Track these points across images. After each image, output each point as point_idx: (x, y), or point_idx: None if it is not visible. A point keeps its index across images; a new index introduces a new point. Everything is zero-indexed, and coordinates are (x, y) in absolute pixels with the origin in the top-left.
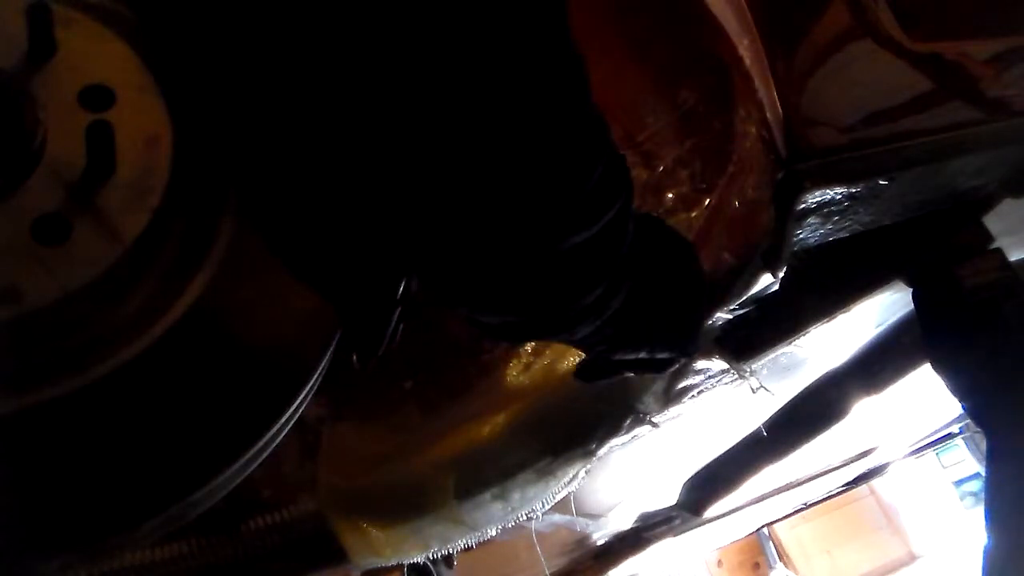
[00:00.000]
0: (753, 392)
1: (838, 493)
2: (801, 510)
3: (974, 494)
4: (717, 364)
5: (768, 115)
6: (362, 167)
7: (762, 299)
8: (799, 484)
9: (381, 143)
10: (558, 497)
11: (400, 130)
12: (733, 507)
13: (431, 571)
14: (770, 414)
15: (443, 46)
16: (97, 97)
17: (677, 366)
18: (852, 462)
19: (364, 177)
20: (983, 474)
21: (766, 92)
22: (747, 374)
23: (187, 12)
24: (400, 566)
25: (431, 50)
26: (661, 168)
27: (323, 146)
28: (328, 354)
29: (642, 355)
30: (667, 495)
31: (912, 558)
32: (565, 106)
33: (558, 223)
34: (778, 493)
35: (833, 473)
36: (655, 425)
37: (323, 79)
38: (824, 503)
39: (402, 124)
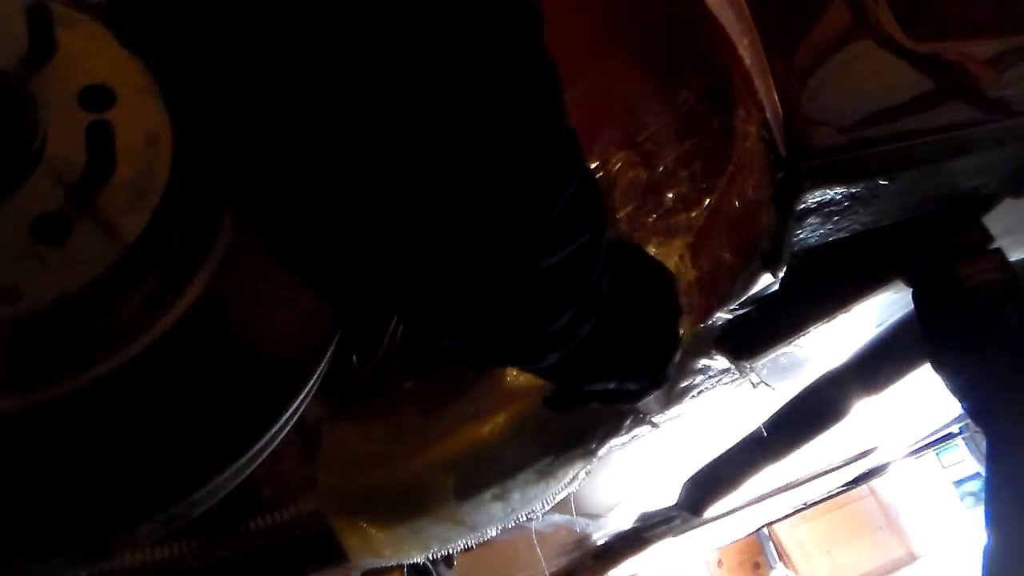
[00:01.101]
0: (754, 387)
1: (838, 493)
2: (801, 510)
3: (974, 494)
4: (717, 364)
5: (768, 115)
6: (332, 178)
7: (762, 299)
8: (799, 484)
9: (348, 158)
10: (558, 498)
11: (364, 146)
12: (733, 507)
13: (431, 571)
14: (770, 414)
15: (414, 65)
16: (97, 97)
17: (648, 397)
18: (852, 462)
19: (335, 190)
20: (983, 474)
21: (766, 92)
22: (747, 370)
23: (183, 13)
24: (400, 566)
25: (402, 68)
26: (661, 168)
27: (301, 152)
28: (328, 354)
29: (611, 386)
30: (667, 495)
31: (912, 558)
32: (536, 126)
33: (526, 247)
34: (778, 493)
35: (833, 473)
36: (655, 425)
37: (294, 90)
38: (824, 503)
39: (368, 141)
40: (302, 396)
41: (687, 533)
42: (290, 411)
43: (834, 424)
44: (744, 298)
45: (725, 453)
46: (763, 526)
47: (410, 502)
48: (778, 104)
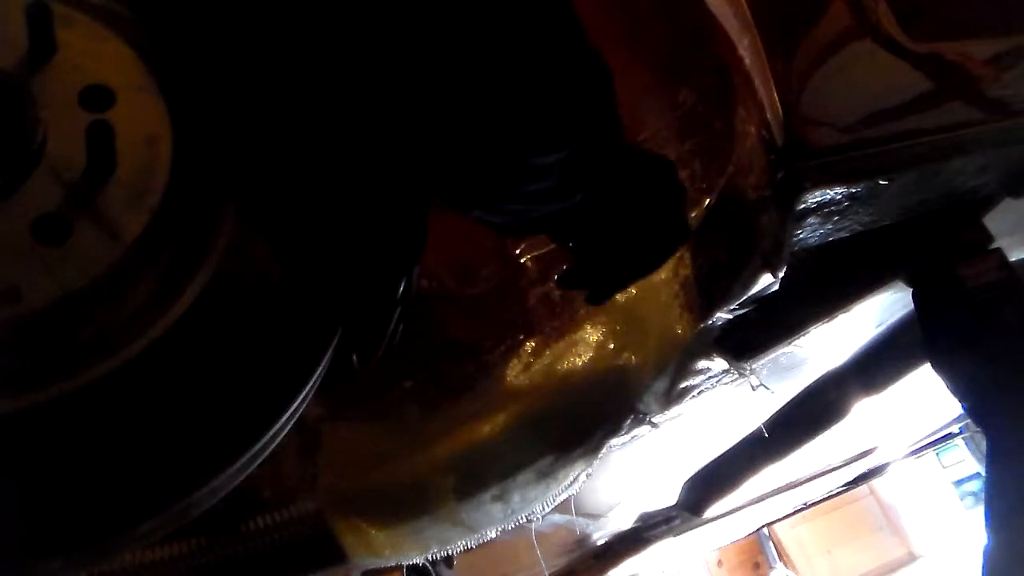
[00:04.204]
0: (753, 389)
1: (838, 493)
2: (801, 510)
3: (974, 494)
4: (718, 364)
5: (768, 115)
6: (377, 115)
7: (762, 299)
8: (799, 484)
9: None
10: (559, 499)
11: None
12: (733, 507)
13: (431, 571)
14: (770, 414)
15: None
16: (97, 97)
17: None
18: (852, 462)
19: (386, 117)
20: (983, 474)
21: (766, 92)
22: (747, 372)
23: (188, 13)
24: (400, 566)
25: None
26: None
27: (330, 118)
28: (328, 354)
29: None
30: (667, 495)
31: (912, 558)
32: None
33: (552, 133)
34: (778, 493)
35: (833, 473)
36: (655, 425)
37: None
38: (824, 503)
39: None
40: (302, 396)
41: (687, 533)
42: (290, 411)
43: (834, 424)
44: (744, 298)
45: (725, 453)
46: (763, 526)
47: (410, 502)
48: (778, 104)
